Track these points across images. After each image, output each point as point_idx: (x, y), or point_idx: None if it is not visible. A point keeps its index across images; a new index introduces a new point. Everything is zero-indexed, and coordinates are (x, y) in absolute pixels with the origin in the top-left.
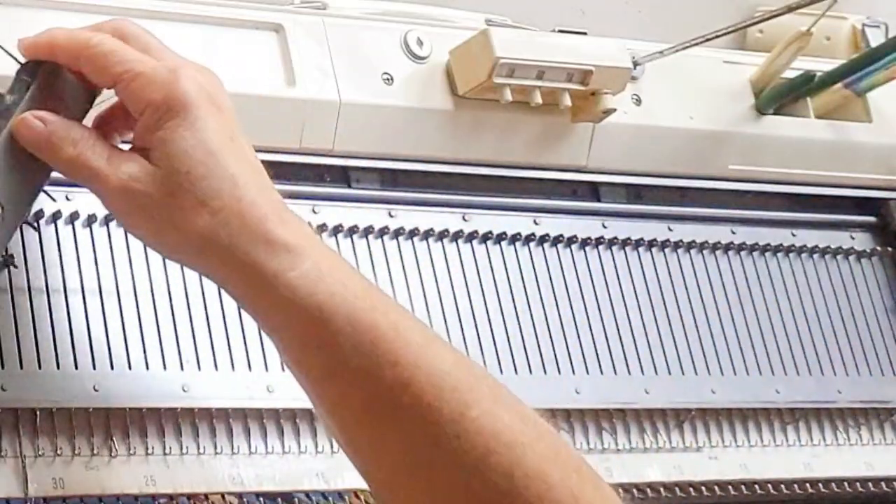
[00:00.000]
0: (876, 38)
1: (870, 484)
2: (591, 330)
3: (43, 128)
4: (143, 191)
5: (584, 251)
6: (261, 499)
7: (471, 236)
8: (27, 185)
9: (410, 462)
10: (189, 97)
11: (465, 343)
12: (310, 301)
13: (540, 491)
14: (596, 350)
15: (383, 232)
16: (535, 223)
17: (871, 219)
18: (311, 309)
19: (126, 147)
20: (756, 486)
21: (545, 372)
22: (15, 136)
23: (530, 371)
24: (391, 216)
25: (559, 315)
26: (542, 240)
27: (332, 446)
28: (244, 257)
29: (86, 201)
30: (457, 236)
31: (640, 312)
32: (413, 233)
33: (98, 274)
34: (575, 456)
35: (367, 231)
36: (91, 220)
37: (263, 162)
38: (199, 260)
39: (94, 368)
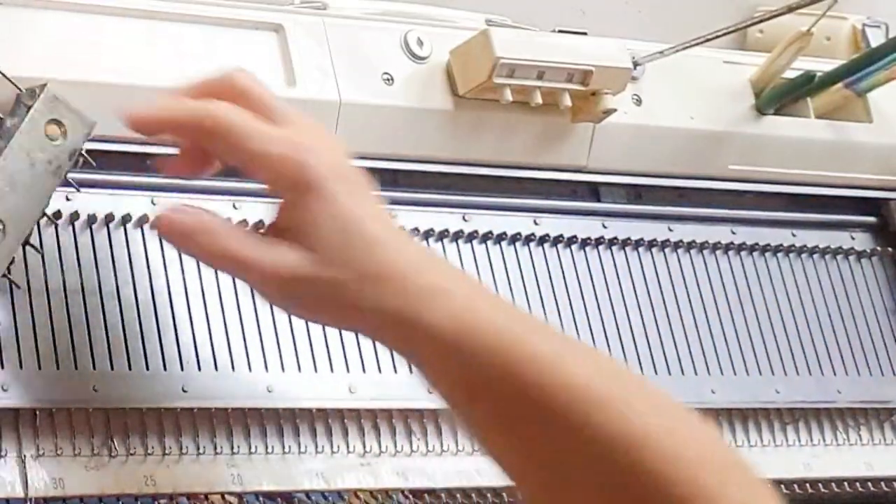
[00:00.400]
0: (876, 39)
1: (870, 484)
2: (590, 330)
3: (188, 223)
4: (297, 275)
5: (584, 251)
6: (261, 499)
7: (471, 236)
8: (28, 205)
9: (557, 470)
10: (319, 173)
11: None
12: (456, 333)
13: (685, 494)
14: None
15: None
16: (535, 223)
17: (871, 219)
18: (456, 337)
19: None
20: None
21: None
22: (160, 229)
23: None
24: (391, 216)
25: (559, 315)
26: (542, 240)
27: (332, 446)
28: (397, 315)
29: (85, 201)
30: (457, 236)
31: (640, 312)
32: (413, 233)
33: (98, 274)
34: (727, 451)
35: None
36: (91, 220)
37: None
38: (357, 323)
39: (95, 368)
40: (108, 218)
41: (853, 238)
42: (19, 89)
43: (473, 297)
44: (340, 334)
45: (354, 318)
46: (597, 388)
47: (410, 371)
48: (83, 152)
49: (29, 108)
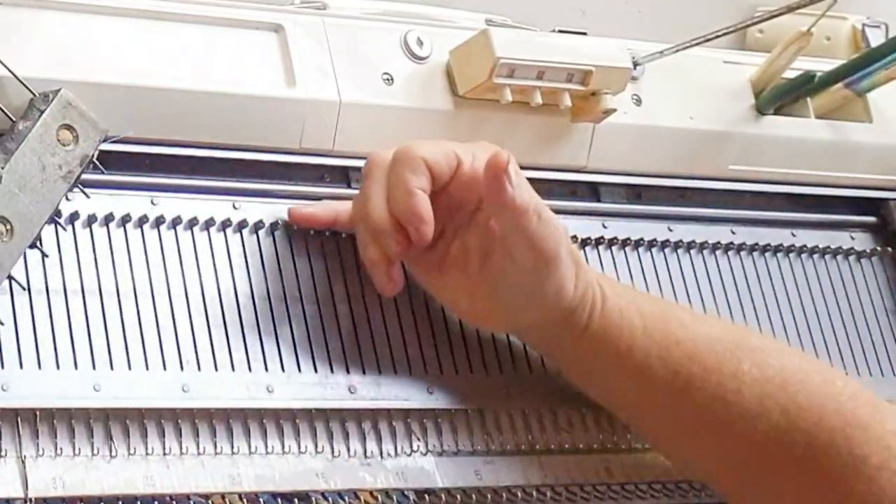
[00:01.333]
0: (876, 38)
1: None
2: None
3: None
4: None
5: (584, 251)
6: (261, 499)
7: None
8: (36, 208)
9: (702, 423)
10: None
11: (465, 343)
12: (614, 327)
13: (813, 420)
14: None
15: None
16: None
17: (871, 219)
18: (614, 328)
19: None
20: None
21: (545, 371)
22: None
23: (530, 370)
24: None
25: None
26: None
27: (332, 447)
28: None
29: (86, 201)
30: None
31: None
32: None
33: (98, 274)
34: (849, 384)
35: None
36: (91, 220)
37: (263, 162)
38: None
39: (94, 368)
40: (108, 218)
41: (853, 238)
42: (33, 93)
43: (618, 293)
44: (340, 335)
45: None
46: (726, 338)
47: (410, 372)
48: (94, 159)
49: (41, 112)
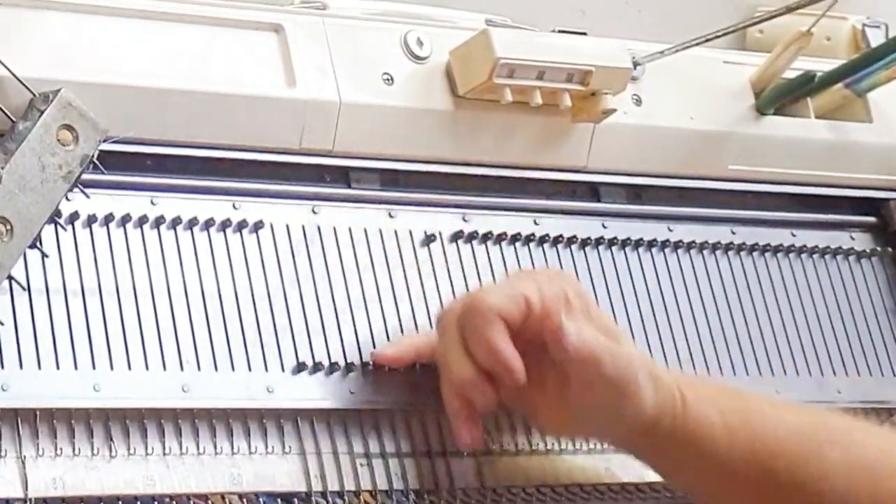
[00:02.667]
0: (876, 38)
1: None
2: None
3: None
4: None
5: (584, 251)
6: (261, 499)
7: (471, 236)
8: (36, 208)
9: None
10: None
11: None
12: (695, 431)
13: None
14: None
15: (383, 232)
16: (535, 223)
17: (871, 219)
18: (695, 432)
19: None
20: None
21: None
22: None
23: None
24: (391, 216)
25: None
26: (542, 240)
27: (332, 446)
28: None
29: (86, 201)
30: (457, 236)
31: (640, 312)
32: (413, 233)
33: (98, 274)
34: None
35: (367, 231)
36: (91, 220)
37: (263, 162)
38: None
39: (94, 368)
40: (108, 218)
41: (853, 238)
42: (33, 94)
43: (696, 387)
44: (340, 335)
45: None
46: (807, 429)
47: (409, 371)
48: (94, 159)
49: (42, 112)
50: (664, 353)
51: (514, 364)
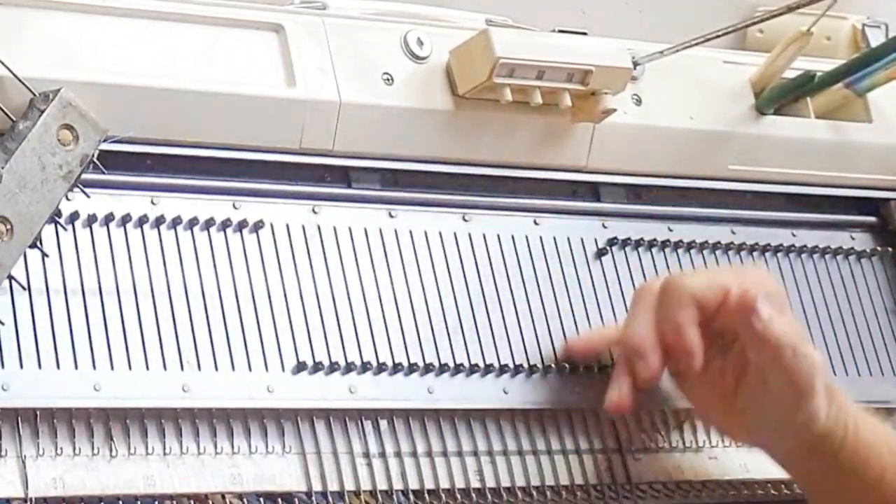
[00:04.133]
0: (876, 38)
1: None
2: (591, 330)
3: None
4: None
5: (584, 251)
6: (261, 499)
7: (471, 236)
8: (37, 207)
9: None
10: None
11: (465, 343)
12: (864, 455)
13: None
14: None
15: (383, 232)
16: (535, 223)
17: (871, 219)
18: (864, 456)
19: None
20: (756, 486)
21: (545, 373)
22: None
23: (531, 371)
24: (391, 216)
25: (559, 315)
26: (542, 240)
27: (333, 446)
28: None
29: (85, 201)
30: (456, 236)
31: None
32: (412, 233)
33: (98, 274)
34: None
35: (367, 231)
36: (91, 220)
37: (264, 162)
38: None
39: (94, 368)
40: (108, 218)
41: (853, 238)
42: (33, 93)
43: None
44: (340, 335)
45: None
46: None
47: (409, 371)
48: (94, 158)
49: (42, 112)
50: None
51: (695, 347)
